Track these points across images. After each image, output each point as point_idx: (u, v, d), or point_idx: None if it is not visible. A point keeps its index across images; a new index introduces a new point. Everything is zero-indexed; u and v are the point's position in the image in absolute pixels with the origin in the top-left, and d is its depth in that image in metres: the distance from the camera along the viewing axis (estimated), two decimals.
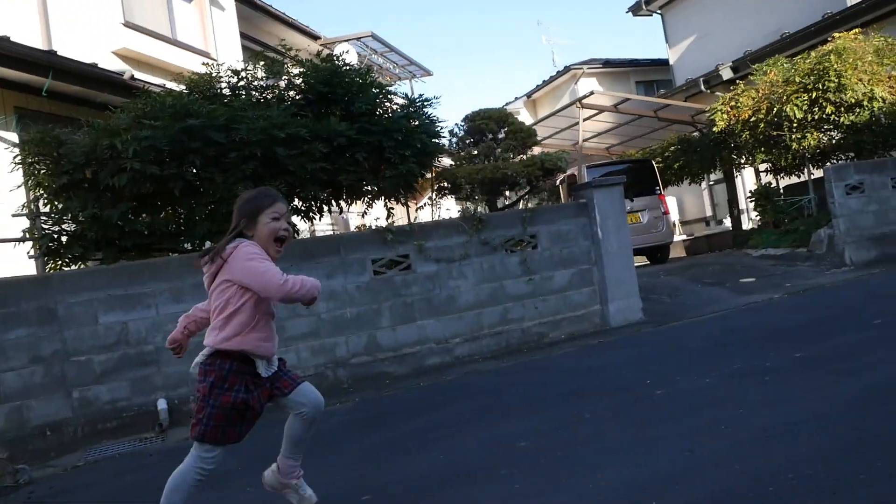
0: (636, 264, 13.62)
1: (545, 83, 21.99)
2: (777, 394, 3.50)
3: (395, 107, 7.17)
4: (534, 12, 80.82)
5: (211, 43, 10.68)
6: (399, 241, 6.52)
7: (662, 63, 19.77)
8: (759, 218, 11.16)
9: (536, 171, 7.02)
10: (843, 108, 9.32)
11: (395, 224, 6.81)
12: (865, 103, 9.19)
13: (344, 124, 6.42)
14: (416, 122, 6.93)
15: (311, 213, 7.06)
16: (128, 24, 9.13)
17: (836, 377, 3.57)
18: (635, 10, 19.11)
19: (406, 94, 7.47)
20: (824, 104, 9.28)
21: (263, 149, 5.80)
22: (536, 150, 8.35)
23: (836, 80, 9.06)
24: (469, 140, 7.11)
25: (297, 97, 6.81)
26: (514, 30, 79.62)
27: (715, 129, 10.61)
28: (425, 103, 7.44)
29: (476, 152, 7.04)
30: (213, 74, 6.62)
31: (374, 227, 6.51)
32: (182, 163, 5.67)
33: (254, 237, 2.58)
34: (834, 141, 9.81)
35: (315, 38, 14.96)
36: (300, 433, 2.75)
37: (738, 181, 12.95)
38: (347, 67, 6.82)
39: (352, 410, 5.17)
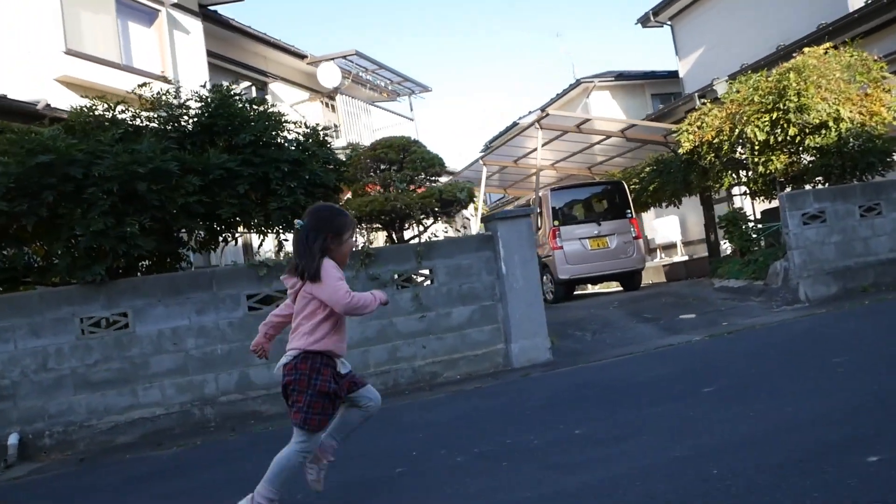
0: (610, 290, 13.14)
1: (558, 96, 21.49)
2: (486, 484, 3.03)
3: (299, 136, 6.97)
4: (555, 22, 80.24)
5: (170, 67, 10.73)
6: (277, 275, 6.28)
7: (676, 75, 19.01)
8: (729, 245, 10.47)
9: (434, 203, 6.68)
10: (807, 130, 8.63)
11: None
12: (831, 124, 8.48)
13: (224, 156, 6.26)
14: (310, 153, 6.71)
15: (209, 245, 6.94)
16: (70, 52, 9.24)
17: (543, 473, 3.05)
18: (644, 21, 18.49)
19: (307, 124, 7.28)
20: (786, 125, 8.61)
21: (122, 184, 5.67)
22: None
23: (797, 100, 8.39)
24: (371, 170, 6.84)
25: (188, 128, 6.68)
26: (533, 42, 79.06)
27: (681, 150, 10.02)
28: (325, 133, 7.24)
29: (372, 183, 6.75)
30: (97, 107, 6.53)
31: (250, 262, 6.31)
32: (36, 199, 5.59)
33: (335, 252, 2.81)
34: (803, 164, 9.09)
35: (301, 56, 14.98)
36: (354, 422, 3.00)
37: (725, 204, 12.22)
38: (237, 98, 6.63)
39: (175, 457, 4.94)
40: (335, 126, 13.65)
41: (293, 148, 6.63)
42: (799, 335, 6.03)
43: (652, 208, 13.89)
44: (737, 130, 9.02)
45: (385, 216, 6.71)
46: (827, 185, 9.04)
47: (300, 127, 7.15)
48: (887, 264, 8.40)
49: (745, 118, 8.91)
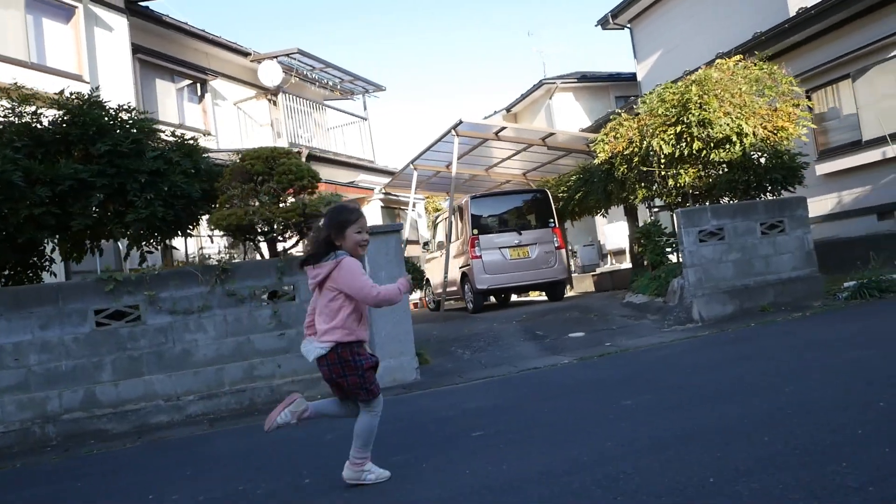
0: (535, 298, 12.96)
1: (523, 97, 21.28)
2: None
3: (166, 145, 6.82)
4: (530, 21, 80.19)
5: (87, 66, 10.55)
6: (128, 290, 6.15)
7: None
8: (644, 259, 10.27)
9: (296, 217, 6.51)
10: (712, 144, 8.44)
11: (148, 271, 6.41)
12: (735, 139, 8.29)
13: (78, 166, 6.11)
14: (173, 162, 6.55)
15: (71, 256, 6.80)
16: None
17: None
18: (603, 23, 18.22)
19: (175, 133, 7.12)
20: (690, 139, 8.43)
21: None
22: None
23: (698, 114, 8.21)
24: (239, 182, 6.67)
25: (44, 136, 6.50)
26: (504, 41, 78.99)
27: (596, 160, 9.83)
28: (194, 143, 7.08)
29: (236, 195, 6.57)
30: None
31: (98, 276, 6.16)
32: None
33: (342, 245, 3.11)
34: (712, 179, 8.89)
35: (245, 54, 14.79)
36: (332, 412, 3.35)
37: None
38: (98, 105, 6.46)
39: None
40: (207, 134, 13.52)
41: (154, 158, 6.46)
42: (657, 361, 5.87)
43: (600, 216, 13.72)
44: (645, 143, 8.84)
45: (240, 231, 6.55)
46: (733, 200, 8.85)
47: (171, 136, 6.99)
48: (788, 283, 8.23)
49: (651, 130, 8.73)
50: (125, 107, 6.72)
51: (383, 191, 15.55)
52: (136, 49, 12.31)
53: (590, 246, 17.19)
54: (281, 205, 6.65)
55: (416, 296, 15.37)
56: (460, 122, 10.20)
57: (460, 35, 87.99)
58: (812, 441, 2.79)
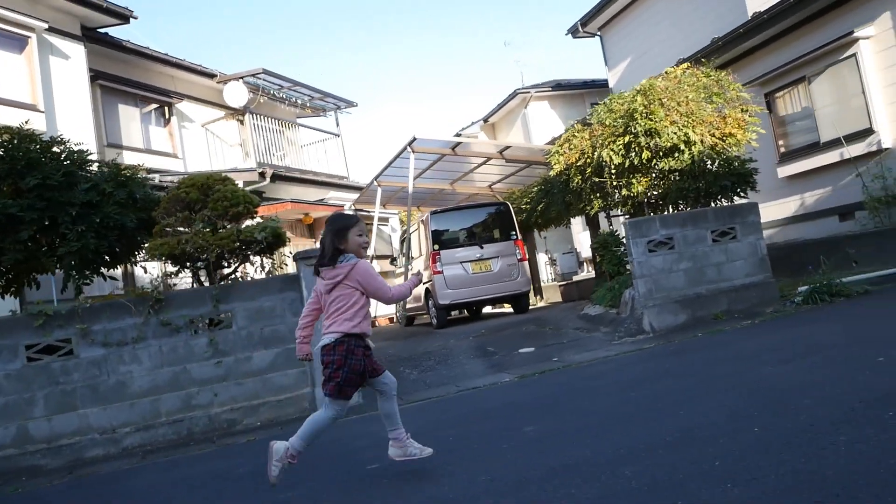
0: (507, 310, 12.89)
1: (499, 107, 21.29)
2: None
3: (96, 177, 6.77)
4: (507, 32, 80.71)
5: (40, 95, 10.54)
6: (59, 324, 6.11)
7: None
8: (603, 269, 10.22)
9: (230, 244, 6.48)
10: (661, 153, 8.41)
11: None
12: (682, 147, 8.26)
13: (7, 201, 6.09)
14: (106, 193, 6.53)
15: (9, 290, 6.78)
16: None
17: None
18: (574, 32, 18.23)
19: (104, 161, 7.10)
20: (638, 149, 8.40)
21: None
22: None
23: (644, 124, 8.18)
24: (175, 210, 6.64)
25: None
26: (484, 51, 79.52)
27: (552, 172, 9.80)
28: (133, 172, 7.06)
29: (171, 224, 6.54)
30: None
31: (27, 311, 6.13)
32: None
33: (346, 249, 3.42)
34: (664, 188, 8.85)
35: (211, 76, 14.80)
36: (389, 408, 3.53)
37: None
38: (26, 139, 6.43)
39: None
40: (171, 156, 13.46)
41: (87, 189, 6.43)
42: (592, 378, 5.81)
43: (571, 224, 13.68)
44: (596, 154, 8.81)
45: (181, 259, 6.51)
46: (686, 208, 8.81)
47: (105, 167, 6.97)
48: (742, 290, 8.17)
49: (600, 141, 8.70)
50: (58, 139, 6.70)
51: (353, 207, 15.54)
52: (98, 75, 12.32)
53: (569, 254, 17.15)
54: (220, 231, 6.60)
55: (390, 310, 15.35)
56: (414, 139, 10.18)
57: (439, 45, 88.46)
58: (660, 477, 2.74)
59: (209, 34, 70.60)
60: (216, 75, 14.77)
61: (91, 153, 6.89)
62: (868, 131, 9.79)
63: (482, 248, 10.79)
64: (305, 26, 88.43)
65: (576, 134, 9.55)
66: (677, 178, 8.57)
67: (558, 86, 20.39)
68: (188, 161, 14.23)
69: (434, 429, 4.73)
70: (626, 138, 8.43)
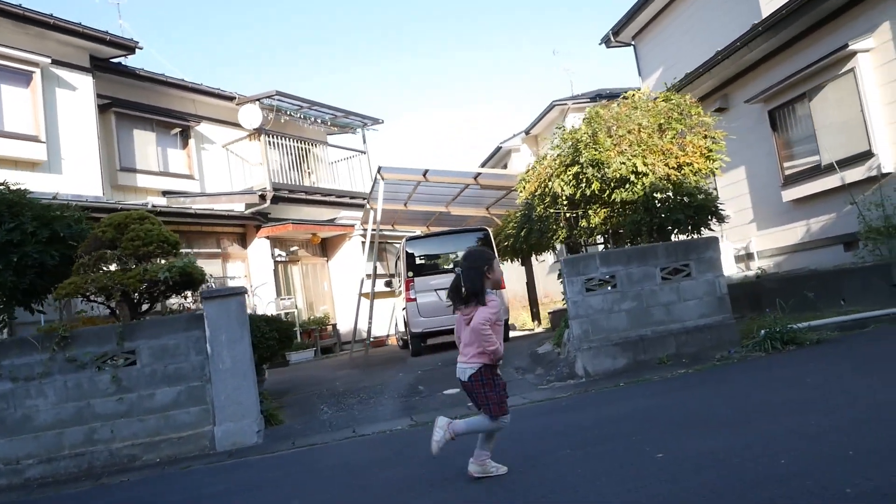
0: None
1: (539, 119, 20.83)
2: None
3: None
4: (551, 43, 78.73)
5: (42, 127, 11.17)
6: None
7: None
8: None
9: (136, 284, 6.63)
10: (612, 184, 7.95)
11: None
12: (633, 179, 7.78)
13: None
14: (29, 232, 6.82)
15: None
16: None
17: None
18: (607, 42, 17.59)
19: (32, 206, 7.38)
20: (587, 180, 7.98)
21: None
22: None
23: (588, 154, 7.76)
24: (91, 249, 6.87)
25: None
26: (536, 60, 77.71)
27: (518, 200, 9.46)
28: (62, 210, 7.34)
29: (84, 263, 6.76)
30: None
31: None
32: None
33: (490, 279, 3.78)
34: (620, 220, 8.35)
35: (230, 98, 15.27)
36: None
37: None
38: None
39: None
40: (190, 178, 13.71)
41: (10, 230, 6.74)
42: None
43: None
44: (548, 184, 8.45)
45: (88, 297, 6.72)
46: (642, 242, 8.27)
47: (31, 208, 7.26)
48: (695, 332, 7.59)
49: (552, 172, 8.34)
50: None
51: (363, 227, 15.63)
52: (113, 103, 12.97)
53: None
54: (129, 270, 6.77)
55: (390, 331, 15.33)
56: (379, 168, 10.12)
57: (485, 56, 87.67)
58: None
59: (235, 56, 73.06)
60: (235, 97, 15.23)
61: (30, 192, 7.21)
62: (867, 154, 8.88)
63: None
64: (347, 41, 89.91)
65: (541, 161, 9.19)
66: (630, 210, 8.07)
67: (598, 96, 19.68)
68: (206, 182, 14.74)
69: (264, 486, 4.64)
70: (575, 169, 8.02)
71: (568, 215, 8.44)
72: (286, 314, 13.85)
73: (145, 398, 6.67)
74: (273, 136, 15.30)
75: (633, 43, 17.40)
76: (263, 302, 13.54)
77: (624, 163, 7.69)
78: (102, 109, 12.65)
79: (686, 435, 4.13)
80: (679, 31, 15.62)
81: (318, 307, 15.86)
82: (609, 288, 7.55)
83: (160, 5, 62.12)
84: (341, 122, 17.26)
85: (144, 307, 7.28)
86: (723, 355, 7.21)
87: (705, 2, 14.47)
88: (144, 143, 13.71)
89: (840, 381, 5.07)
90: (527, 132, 21.83)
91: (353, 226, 15.62)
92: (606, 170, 7.78)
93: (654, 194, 7.82)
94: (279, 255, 14.52)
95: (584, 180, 8.01)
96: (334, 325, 15.72)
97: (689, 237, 8.11)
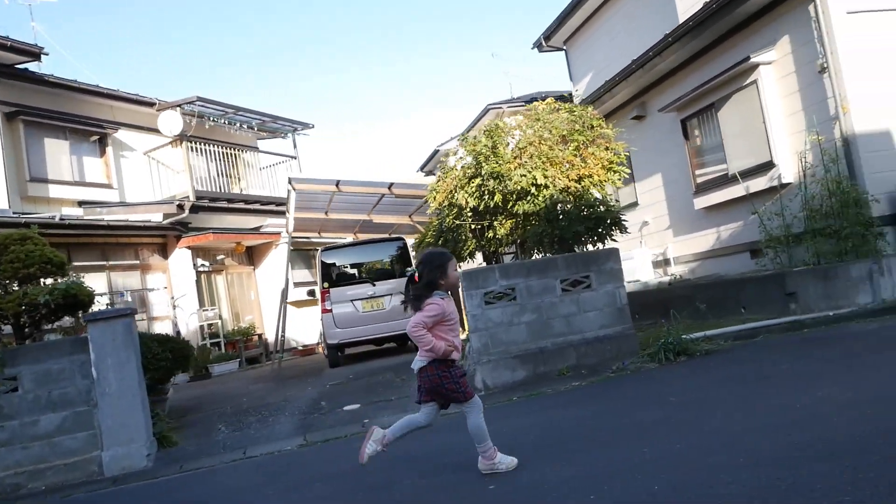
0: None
1: (474, 123, 20.87)
2: None
3: None
4: (494, 44, 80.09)
5: None
6: None
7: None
8: None
9: (14, 307, 6.41)
10: (514, 196, 7.98)
11: None
12: (534, 191, 7.82)
13: None
14: None
15: None
16: None
17: None
18: (539, 46, 17.74)
19: None
20: (489, 192, 8.00)
21: None
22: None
23: (488, 166, 7.78)
24: None
25: None
26: (477, 62, 78.84)
27: (429, 210, 9.45)
28: None
29: None
30: None
31: None
32: None
33: (444, 283, 3.82)
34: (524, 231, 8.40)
35: (150, 104, 14.91)
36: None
37: None
38: None
39: None
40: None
41: None
42: (337, 459, 5.49)
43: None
44: (455, 195, 8.45)
45: None
46: (545, 253, 8.35)
47: None
48: (595, 343, 7.67)
49: (456, 183, 8.34)
50: None
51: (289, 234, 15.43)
52: (20, 110, 12.52)
53: None
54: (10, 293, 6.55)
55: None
56: (290, 179, 10.03)
57: (422, 59, 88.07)
58: None
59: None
60: (155, 103, 14.88)
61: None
62: (769, 164, 9.11)
63: (374, 285, 10.50)
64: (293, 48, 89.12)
65: (449, 172, 9.18)
66: (534, 221, 8.12)
67: (533, 99, 19.77)
68: (127, 190, 14.38)
69: None
70: (478, 181, 8.04)
71: (474, 226, 8.45)
72: (209, 325, 13.59)
73: (28, 425, 6.44)
74: (197, 143, 15.00)
75: (564, 48, 17.58)
76: (185, 314, 13.26)
77: (524, 175, 7.73)
78: (9, 118, 12.21)
79: (542, 461, 4.14)
80: (607, 37, 15.82)
81: (244, 317, 15.61)
82: (509, 301, 7.58)
83: (97, 9, 60.28)
84: (270, 127, 17.02)
85: (28, 331, 7.04)
86: (618, 367, 7.30)
87: (630, 8, 14.67)
88: (57, 152, 13.27)
89: (705, 400, 5.18)
90: (462, 135, 21.84)
91: (279, 233, 15.42)
92: (508, 182, 7.82)
93: (556, 206, 7.87)
94: (202, 265, 14.24)
95: (487, 192, 8.04)
96: (260, 335, 15.50)
97: (594, 248, 8.20)
